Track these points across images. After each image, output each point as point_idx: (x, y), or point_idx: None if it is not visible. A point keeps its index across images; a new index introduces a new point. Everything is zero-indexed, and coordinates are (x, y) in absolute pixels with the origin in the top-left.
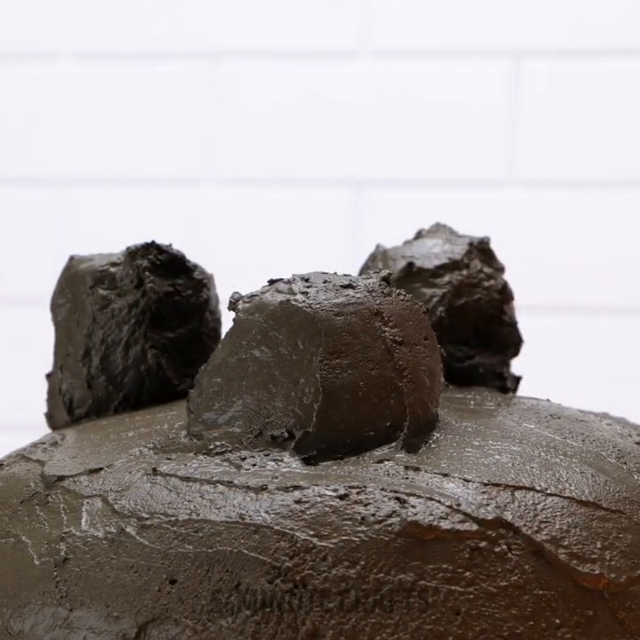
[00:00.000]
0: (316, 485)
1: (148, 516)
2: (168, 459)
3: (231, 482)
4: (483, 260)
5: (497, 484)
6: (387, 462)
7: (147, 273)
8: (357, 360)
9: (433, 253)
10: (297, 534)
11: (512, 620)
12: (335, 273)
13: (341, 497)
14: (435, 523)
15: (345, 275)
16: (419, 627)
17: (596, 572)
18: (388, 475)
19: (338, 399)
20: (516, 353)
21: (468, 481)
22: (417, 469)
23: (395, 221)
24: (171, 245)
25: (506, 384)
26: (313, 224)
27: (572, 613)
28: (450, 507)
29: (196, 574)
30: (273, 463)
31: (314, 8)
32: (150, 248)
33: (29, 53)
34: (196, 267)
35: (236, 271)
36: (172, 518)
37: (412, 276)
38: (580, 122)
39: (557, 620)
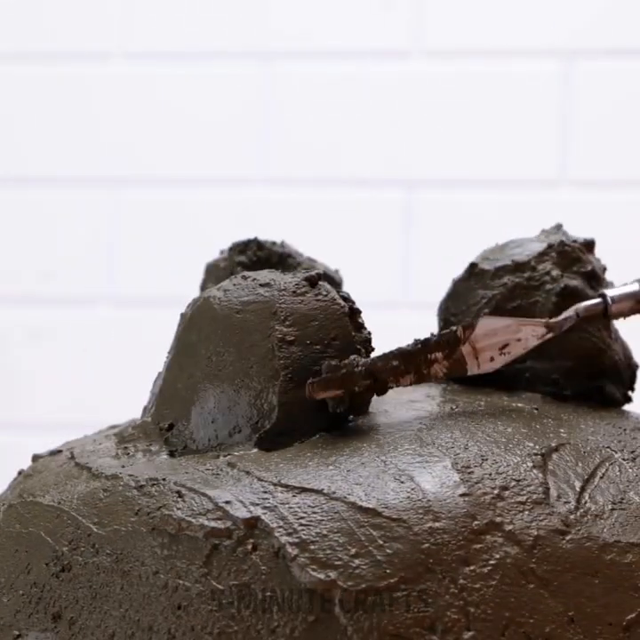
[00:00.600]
0: (130, 475)
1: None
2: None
3: (90, 468)
4: (557, 263)
5: (286, 485)
6: (224, 458)
7: (239, 268)
8: (241, 356)
9: (509, 254)
10: (82, 521)
11: (226, 619)
12: (277, 271)
13: (138, 488)
14: (186, 518)
15: (276, 273)
16: (125, 613)
17: (330, 578)
18: (204, 470)
19: (209, 394)
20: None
21: (261, 480)
22: (233, 466)
23: (447, 222)
24: (277, 243)
25: (560, 390)
26: (365, 225)
27: (293, 617)
28: (216, 504)
29: (12, 551)
30: (141, 454)
31: (366, 8)
32: (250, 244)
33: (81, 53)
34: (299, 264)
35: None
36: (29, 499)
37: (475, 276)
38: (633, 122)
39: (275, 623)
